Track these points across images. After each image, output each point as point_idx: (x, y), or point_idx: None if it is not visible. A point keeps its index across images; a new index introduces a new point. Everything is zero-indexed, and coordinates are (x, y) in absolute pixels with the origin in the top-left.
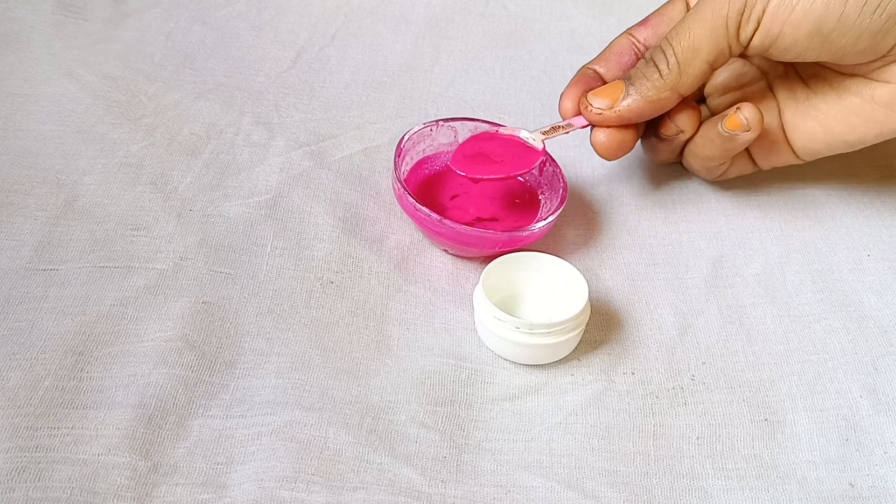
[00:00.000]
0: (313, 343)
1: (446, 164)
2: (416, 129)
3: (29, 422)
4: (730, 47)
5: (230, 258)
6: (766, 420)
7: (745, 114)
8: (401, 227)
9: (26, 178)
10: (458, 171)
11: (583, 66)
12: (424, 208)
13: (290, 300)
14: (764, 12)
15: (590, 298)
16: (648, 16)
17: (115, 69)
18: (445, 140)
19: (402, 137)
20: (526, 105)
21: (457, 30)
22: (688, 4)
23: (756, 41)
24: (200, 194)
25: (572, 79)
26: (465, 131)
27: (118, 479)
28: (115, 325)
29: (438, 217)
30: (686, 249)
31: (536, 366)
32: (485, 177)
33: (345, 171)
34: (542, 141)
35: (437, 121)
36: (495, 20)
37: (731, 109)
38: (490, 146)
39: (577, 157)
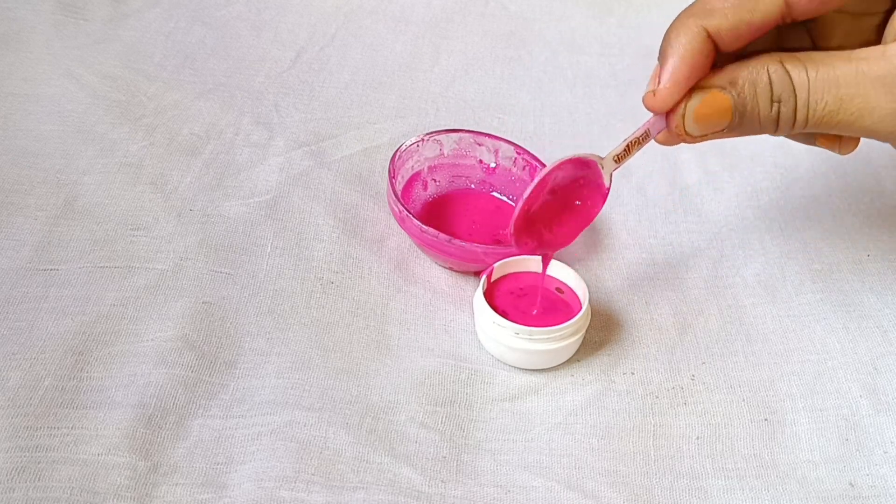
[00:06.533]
0: (313, 343)
1: (443, 188)
2: (404, 146)
3: (29, 422)
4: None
5: (230, 258)
6: (766, 420)
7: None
8: (400, 228)
9: (26, 178)
10: (522, 251)
11: (687, 15)
12: (431, 229)
13: (290, 300)
14: None
15: (589, 301)
16: None
17: (115, 69)
18: (431, 154)
19: (393, 156)
20: (526, 105)
21: (457, 30)
22: None
23: None
24: (200, 194)
25: (674, 37)
26: (450, 143)
27: (118, 479)
28: (115, 325)
29: (448, 237)
30: (686, 249)
31: None
32: (550, 253)
33: (345, 171)
34: (611, 174)
35: (423, 136)
36: (495, 20)
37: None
38: (553, 193)
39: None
